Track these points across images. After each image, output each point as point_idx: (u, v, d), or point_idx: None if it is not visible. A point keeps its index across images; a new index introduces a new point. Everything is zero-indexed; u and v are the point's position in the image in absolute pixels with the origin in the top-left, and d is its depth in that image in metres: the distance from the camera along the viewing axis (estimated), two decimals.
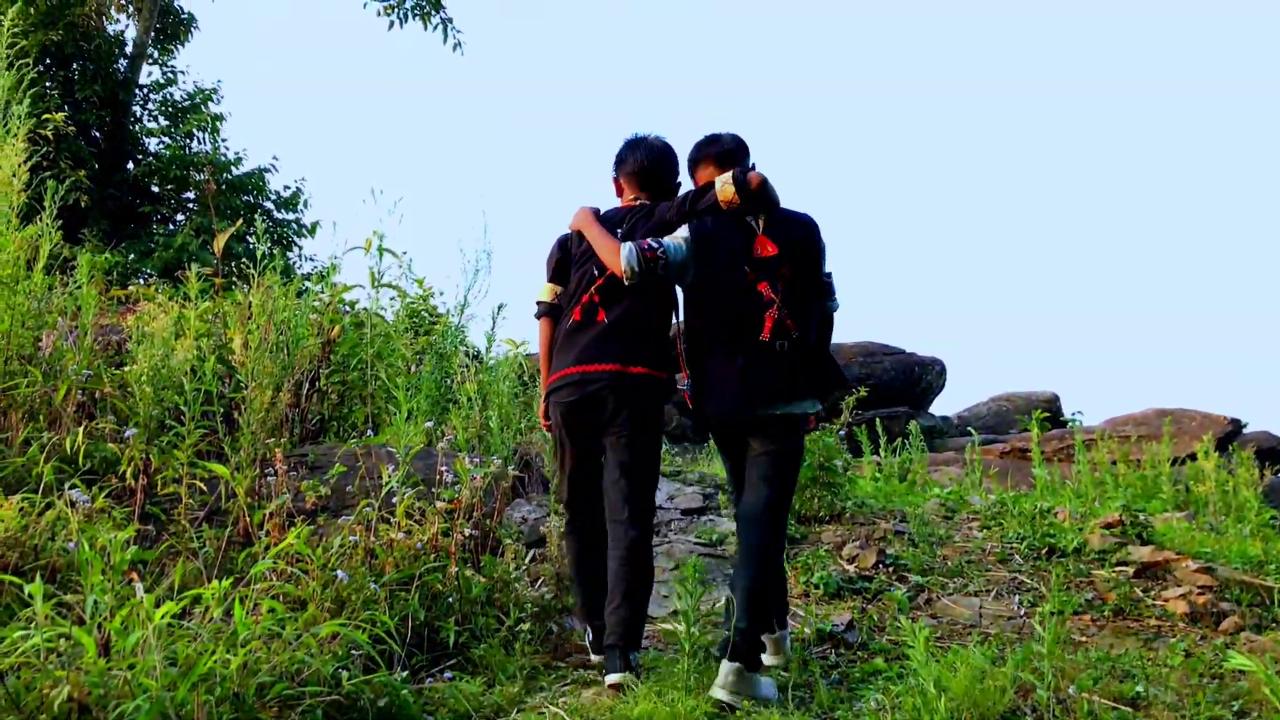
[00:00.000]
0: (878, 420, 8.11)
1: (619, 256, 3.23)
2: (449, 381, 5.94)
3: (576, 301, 3.38)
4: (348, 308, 5.91)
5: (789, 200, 3.33)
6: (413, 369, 5.91)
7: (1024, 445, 9.95)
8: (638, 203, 3.50)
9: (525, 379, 7.42)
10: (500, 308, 6.25)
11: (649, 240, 3.27)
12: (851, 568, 4.47)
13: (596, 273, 3.37)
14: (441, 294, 7.87)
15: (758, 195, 3.20)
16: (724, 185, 3.21)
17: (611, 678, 3.03)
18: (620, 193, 3.59)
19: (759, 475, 3.18)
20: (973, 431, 7.73)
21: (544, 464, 4.91)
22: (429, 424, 4.06)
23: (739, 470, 3.29)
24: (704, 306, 3.30)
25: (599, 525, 3.34)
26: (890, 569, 4.48)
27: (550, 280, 3.53)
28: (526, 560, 4.14)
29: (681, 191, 3.50)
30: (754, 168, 3.31)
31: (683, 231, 3.33)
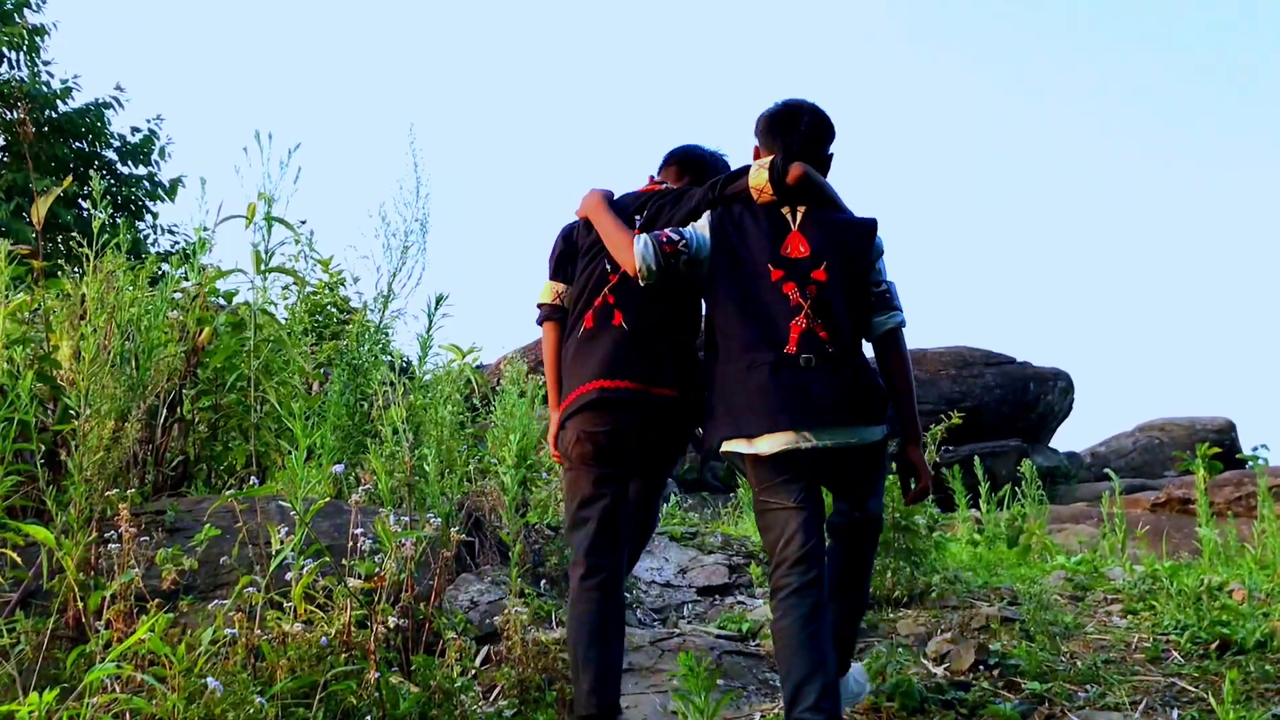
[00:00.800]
0: (977, 459, 8.12)
1: (629, 251, 3.64)
2: (367, 406, 6.00)
3: (588, 305, 3.79)
4: (223, 301, 5.94)
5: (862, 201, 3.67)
6: (315, 388, 6.01)
7: (1185, 494, 9.94)
8: (662, 185, 3.99)
9: (476, 401, 7.48)
10: (440, 300, 6.26)
11: (668, 231, 3.67)
12: (940, 671, 4.48)
13: (609, 268, 3.78)
14: (356, 281, 7.91)
15: (795, 189, 3.67)
16: (758, 171, 3.68)
17: None
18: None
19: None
20: (1112, 475, 7.72)
21: (500, 523, 4.93)
22: (338, 468, 4.06)
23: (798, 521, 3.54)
24: (721, 309, 3.67)
25: (621, 582, 3.66)
26: (996, 672, 4.48)
27: (552, 278, 3.94)
28: (477, 661, 4.15)
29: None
30: (790, 160, 3.71)
31: (706, 219, 3.74)
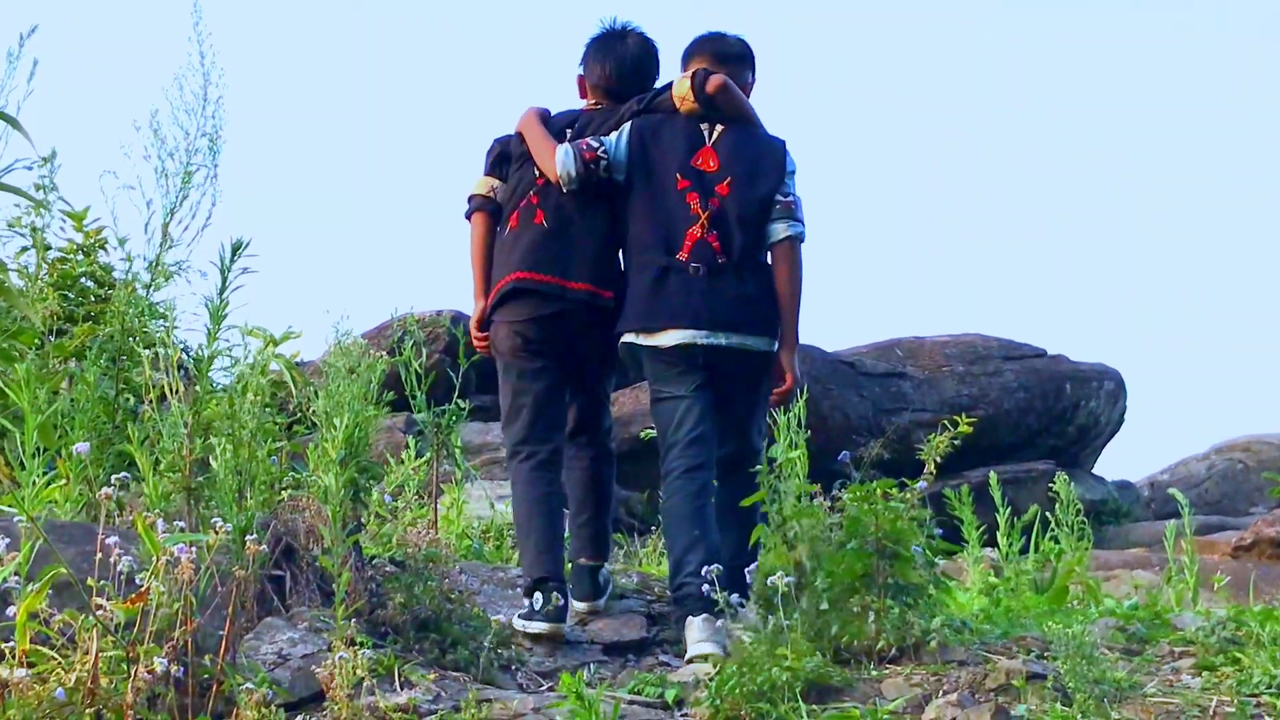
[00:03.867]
0: (994, 480, 8.12)
1: (552, 160, 5.26)
2: (133, 402, 6.06)
3: (514, 206, 5.46)
4: None
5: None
6: (64, 388, 5.90)
7: (1278, 534, 10.08)
8: (599, 107, 5.63)
9: (294, 407, 7.34)
10: (238, 249, 6.11)
11: (588, 140, 5.33)
12: None
13: (536, 173, 5.40)
14: (124, 244, 7.58)
15: (714, 100, 5.34)
16: (681, 80, 5.39)
17: (579, 605, 5.50)
18: (584, 94, 5.79)
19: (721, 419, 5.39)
20: (1181, 501, 7.79)
21: (322, 545, 4.85)
22: (81, 447, 4.02)
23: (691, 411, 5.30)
24: (631, 214, 5.40)
25: (559, 464, 5.50)
26: None
27: (487, 173, 5.66)
28: None
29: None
30: (709, 72, 5.39)
31: (625, 128, 5.38)
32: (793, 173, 5.50)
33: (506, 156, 5.59)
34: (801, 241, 5.49)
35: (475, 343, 5.68)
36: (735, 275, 5.28)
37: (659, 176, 5.32)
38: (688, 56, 5.64)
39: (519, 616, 5.24)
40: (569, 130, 5.44)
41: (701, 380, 5.27)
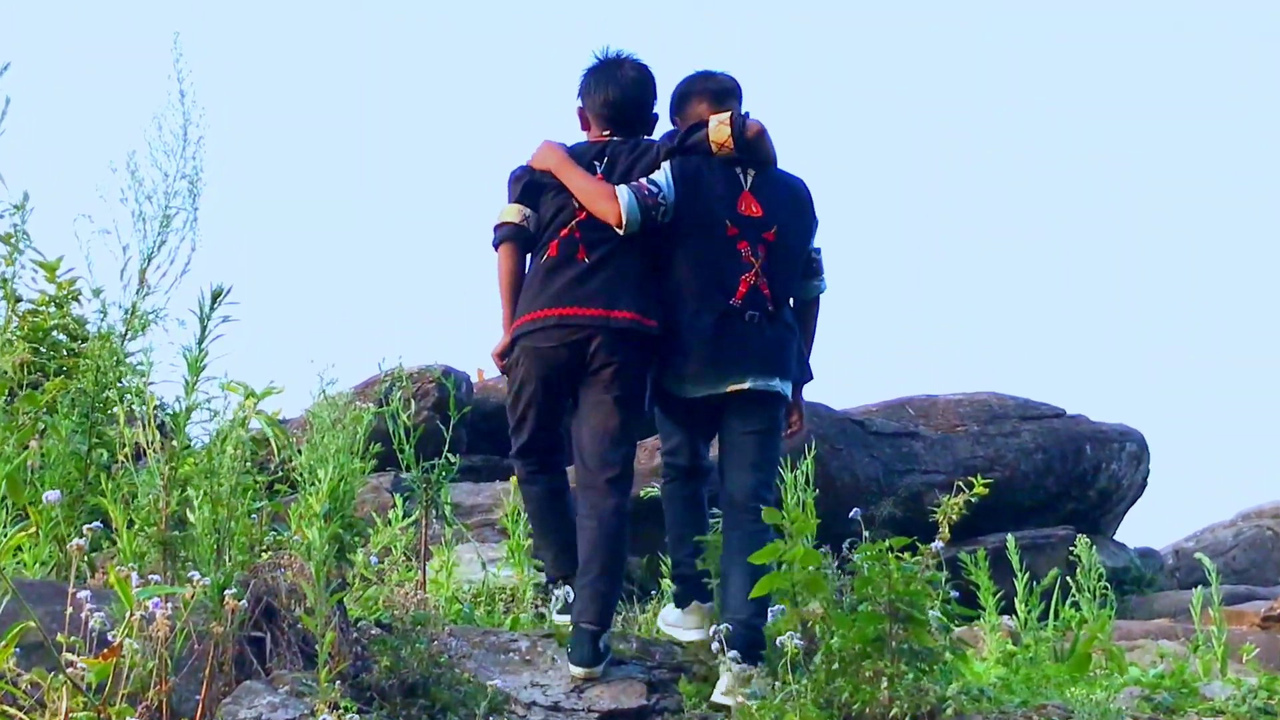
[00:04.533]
0: (1011, 545, 8.10)
1: (612, 202, 5.46)
2: (106, 457, 6.01)
3: (554, 235, 5.60)
4: None
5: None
6: (34, 441, 5.87)
7: None
8: (614, 137, 5.83)
9: (273, 466, 7.30)
10: (218, 297, 6.08)
11: (646, 184, 5.55)
12: None
13: (578, 205, 5.58)
14: (99, 296, 7.52)
15: (753, 144, 5.68)
16: (719, 125, 5.63)
17: (577, 670, 5.40)
18: (586, 126, 5.99)
19: (746, 461, 5.63)
20: (1209, 568, 7.74)
21: (305, 604, 4.82)
22: (52, 495, 4.01)
23: (695, 441, 5.87)
24: (677, 256, 5.65)
25: (564, 468, 5.86)
26: None
27: (518, 200, 5.73)
28: None
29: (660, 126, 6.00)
30: (748, 115, 5.74)
31: (667, 169, 5.61)
32: (817, 224, 5.95)
33: (539, 185, 5.71)
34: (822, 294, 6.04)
35: (496, 364, 5.90)
36: (782, 322, 5.68)
37: (706, 221, 5.60)
38: (683, 96, 6.00)
39: (557, 612, 5.85)
40: (598, 164, 5.68)
41: (716, 413, 5.70)
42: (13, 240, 6.65)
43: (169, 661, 3.87)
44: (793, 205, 5.79)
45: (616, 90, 5.85)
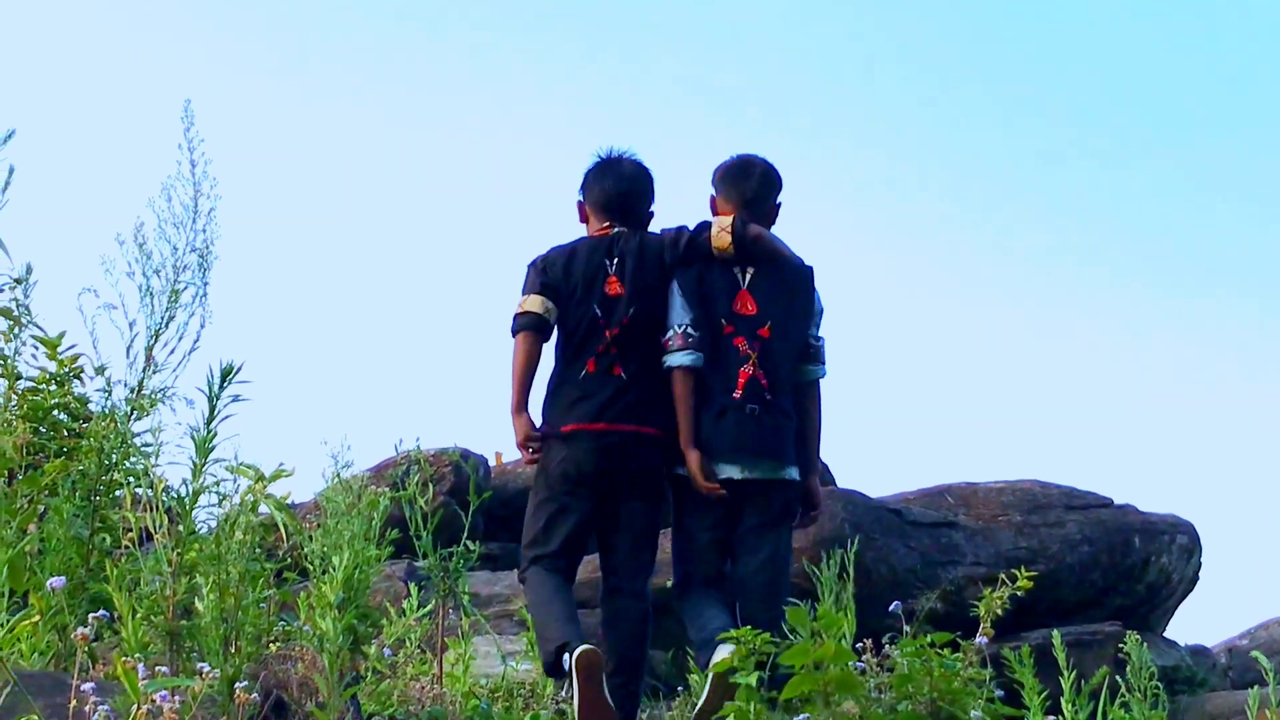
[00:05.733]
0: (1057, 641, 7.88)
1: (682, 360, 6.04)
2: (109, 542, 5.93)
3: (589, 349, 6.04)
4: None
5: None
6: (33, 526, 5.80)
7: None
8: (613, 230, 6.25)
9: (281, 553, 7.15)
10: (228, 374, 5.96)
11: (684, 337, 6.05)
12: None
13: (599, 312, 6.04)
14: (103, 373, 7.43)
15: (753, 250, 6.12)
16: (720, 233, 6.08)
17: None
18: (585, 219, 6.43)
19: (755, 550, 6.02)
20: (1265, 670, 7.52)
21: (317, 698, 4.69)
22: (56, 581, 3.95)
23: (714, 545, 6.10)
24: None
25: (573, 580, 6.10)
26: None
27: (539, 293, 6.09)
28: None
29: (660, 219, 6.43)
30: (747, 222, 6.16)
31: (680, 283, 6.10)
32: (820, 313, 6.42)
33: (556, 284, 6.11)
34: (822, 379, 6.47)
35: (522, 455, 6.32)
36: (780, 410, 6.08)
37: (710, 323, 6.10)
38: (720, 184, 6.46)
39: (565, 692, 6.22)
40: (608, 263, 6.12)
41: (728, 505, 6.04)
42: (14, 315, 6.49)
43: None
44: (788, 300, 6.21)
45: (614, 182, 6.34)
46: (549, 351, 6.26)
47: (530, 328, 6.08)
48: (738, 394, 6.00)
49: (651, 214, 6.39)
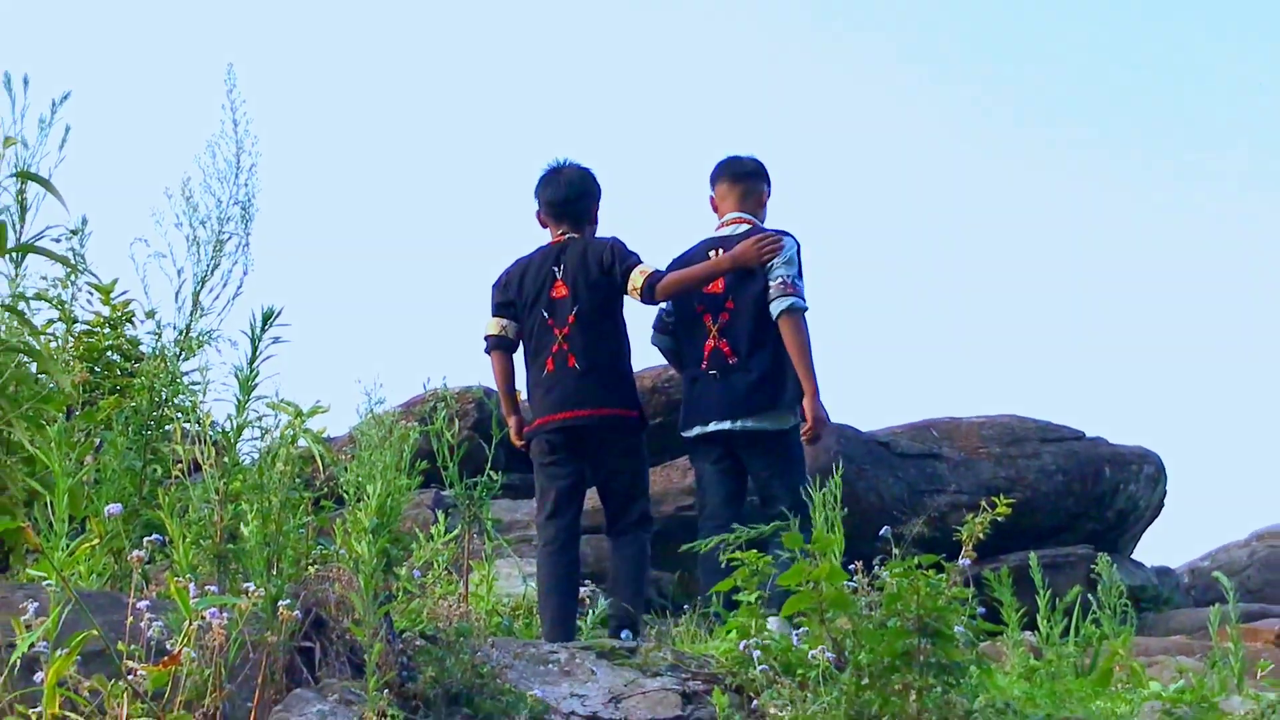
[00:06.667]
0: (1033, 563, 8.06)
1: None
2: (160, 473, 6.02)
3: (546, 350, 6.76)
4: None
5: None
6: (88, 460, 5.86)
7: None
8: (565, 237, 6.95)
9: (317, 483, 7.30)
10: (269, 318, 6.07)
11: (663, 315, 7.36)
12: None
13: (547, 315, 6.75)
14: (153, 316, 7.51)
15: (662, 299, 7.06)
16: (632, 290, 6.80)
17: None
18: (544, 224, 7.14)
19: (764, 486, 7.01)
20: (1226, 589, 7.69)
21: (353, 615, 4.82)
22: (114, 508, 4.01)
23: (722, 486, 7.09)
24: (677, 336, 7.34)
25: (576, 543, 6.90)
26: None
27: (496, 315, 6.98)
28: None
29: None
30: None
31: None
32: (789, 260, 6.88)
33: (509, 302, 6.98)
34: (800, 312, 6.83)
35: (516, 445, 7.15)
36: (743, 370, 6.83)
37: (684, 305, 7.14)
38: (714, 179, 7.48)
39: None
40: (556, 269, 6.84)
41: (720, 453, 7.01)
42: (71, 263, 6.64)
43: (224, 670, 3.86)
44: (750, 278, 6.88)
45: (556, 191, 7.04)
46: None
47: (496, 347, 6.98)
48: (704, 365, 6.90)
49: (597, 220, 7.18)
